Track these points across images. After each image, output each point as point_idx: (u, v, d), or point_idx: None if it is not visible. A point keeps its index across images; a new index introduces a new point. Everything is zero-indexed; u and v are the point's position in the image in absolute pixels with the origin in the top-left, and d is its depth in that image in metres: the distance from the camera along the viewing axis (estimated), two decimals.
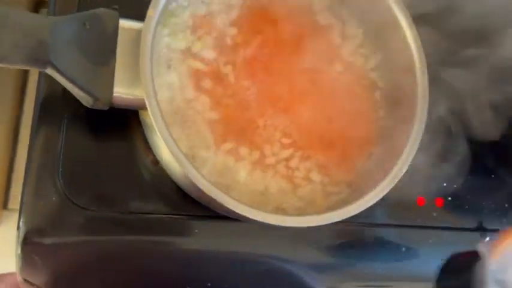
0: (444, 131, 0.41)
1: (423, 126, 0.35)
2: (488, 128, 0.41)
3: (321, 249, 0.39)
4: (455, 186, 0.44)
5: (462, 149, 0.42)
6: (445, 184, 0.44)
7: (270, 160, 0.35)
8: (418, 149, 0.35)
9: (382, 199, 0.33)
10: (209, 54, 0.35)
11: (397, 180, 0.33)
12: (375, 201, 0.33)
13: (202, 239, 0.36)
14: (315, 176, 0.36)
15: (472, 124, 0.41)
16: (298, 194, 0.35)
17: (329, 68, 0.38)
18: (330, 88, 0.37)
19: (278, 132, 0.36)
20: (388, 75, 0.38)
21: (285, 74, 0.37)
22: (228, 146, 0.34)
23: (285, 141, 0.36)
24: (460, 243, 0.44)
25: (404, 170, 0.34)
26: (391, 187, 0.33)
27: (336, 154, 0.37)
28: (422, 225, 0.43)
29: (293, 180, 0.35)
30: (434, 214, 0.43)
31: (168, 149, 0.29)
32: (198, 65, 0.35)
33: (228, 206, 0.29)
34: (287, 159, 0.35)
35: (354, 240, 0.40)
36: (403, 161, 0.34)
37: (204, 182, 0.29)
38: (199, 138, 0.33)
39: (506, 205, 0.46)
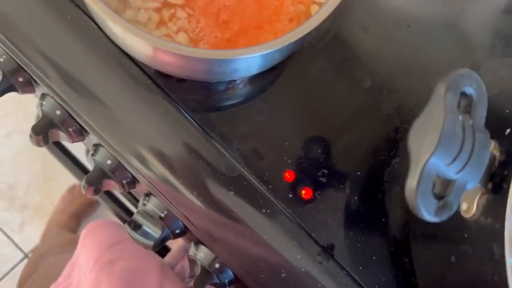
0: None
1: None
2: None
3: None
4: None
5: None
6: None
7: None
8: None
9: None
10: None
11: None
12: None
13: None
14: (183, 39, 0.34)
15: None
16: (154, 34, 0.33)
17: None
18: None
19: None
20: None
21: None
22: None
23: None
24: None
25: None
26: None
27: (220, 38, 0.34)
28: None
29: (164, 25, 0.34)
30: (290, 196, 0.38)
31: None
32: None
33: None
34: (174, 6, 0.34)
35: None
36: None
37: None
38: None
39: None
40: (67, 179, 1.00)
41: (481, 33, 0.43)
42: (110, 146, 0.38)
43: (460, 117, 0.25)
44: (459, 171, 0.25)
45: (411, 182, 0.24)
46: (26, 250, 1.06)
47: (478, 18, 0.45)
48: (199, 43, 0.34)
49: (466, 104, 0.26)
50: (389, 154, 0.40)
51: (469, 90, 0.25)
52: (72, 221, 1.03)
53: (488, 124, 0.30)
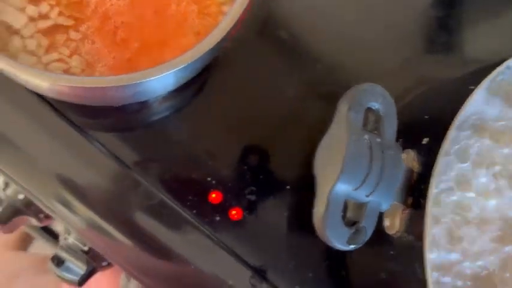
0: None
1: None
2: None
3: None
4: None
5: None
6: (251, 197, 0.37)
7: (52, 14, 0.31)
8: None
9: None
10: None
11: None
12: None
13: None
14: (77, 63, 0.30)
15: None
16: (44, 61, 0.30)
17: None
18: None
19: None
20: None
21: None
22: None
23: (76, 13, 0.31)
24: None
25: None
26: None
27: (119, 59, 0.31)
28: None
29: (56, 49, 0.31)
30: (217, 218, 0.36)
31: None
32: None
33: None
34: (66, 28, 0.31)
35: None
36: None
37: None
38: None
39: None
40: None
41: (407, 30, 0.42)
42: (16, 182, 0.35)
43: (366, 136, 0.23)
44: (369, 195, 0.23)
45: (318, 212, 0.22)
46: None
47: (404, 16, 0.43)
48: (96, 65, 0.31)
49: (375, 120, 0.24)
50: None
51: (375, 105, 0.24)
52: (21, 241, 0.98)
53: (406, 133, 0.29)
